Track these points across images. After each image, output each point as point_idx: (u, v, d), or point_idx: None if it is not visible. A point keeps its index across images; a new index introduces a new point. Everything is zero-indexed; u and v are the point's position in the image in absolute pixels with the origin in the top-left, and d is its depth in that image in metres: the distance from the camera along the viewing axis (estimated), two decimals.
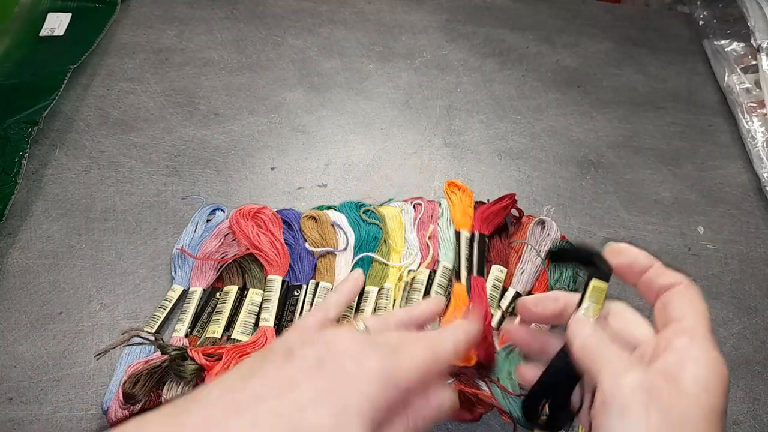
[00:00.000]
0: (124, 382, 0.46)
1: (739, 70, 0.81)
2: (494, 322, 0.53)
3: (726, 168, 0.74)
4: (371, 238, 0.58)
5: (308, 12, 0.89)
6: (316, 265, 0.56)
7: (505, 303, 0.55)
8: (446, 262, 0.56)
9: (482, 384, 0.50)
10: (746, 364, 0.55)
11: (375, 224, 0.59)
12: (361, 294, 0.55)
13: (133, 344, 0.49)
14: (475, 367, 0.49)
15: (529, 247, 0.59)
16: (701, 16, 0.92)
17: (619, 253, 0.32)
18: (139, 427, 0.24)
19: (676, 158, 0.74)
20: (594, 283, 0.32)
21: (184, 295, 0.54)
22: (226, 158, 0.68)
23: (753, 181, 0.72)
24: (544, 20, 0.93)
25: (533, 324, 0.40)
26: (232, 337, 0.51)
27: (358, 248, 0.57)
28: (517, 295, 0.56)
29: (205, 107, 0.74)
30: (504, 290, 0.56)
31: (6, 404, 0.48)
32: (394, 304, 0.54)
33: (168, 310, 0.53)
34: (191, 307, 0.53)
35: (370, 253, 0.56)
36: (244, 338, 0.50)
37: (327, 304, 0.35)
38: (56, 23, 0.80)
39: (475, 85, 0.81)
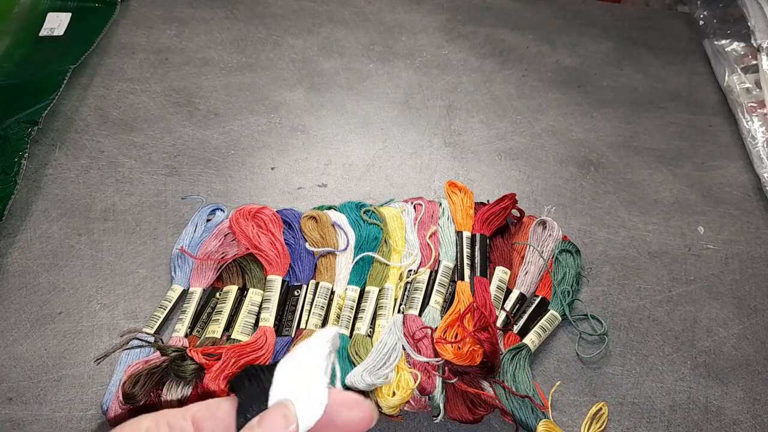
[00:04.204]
0: (124, 383, 0.46)
1: (739, 70, 0.81)
2: (498, 323, 0.53)
3: (726, 168, 0.74)
4: (372, 239, 0.58)
5: (308, 12, 0.89)
6: (316, 266, 0.56)
7: (509, 305, 0.55)
8: (447, 261, 0.56)
9: (485, 384, 0.50)
10: (746, 364, 0.55)
11: (375, 224, 0.59)
12: (362, 294, 0.55)
13: (132, 347, 0.49)
14: (480, 366, 0.49)
15: (532, 248, 0.59)
16: (701, 16, 0.92)
17: None
18: None
19: (676, 158, 0.74)
20: None
21: (184, 295, 0.54)
22: (226, 158, 0.68)
23: (753, 181, 0.72)
24: (544, 20, 0.93)
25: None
26: (232, 337, 0.51)
27: (359, 248, 0.57)
28: (522, 296, 0.56)
29: (205, 107, 0.73)
30: (508, 291, 0.56)
31: (6, 404, 0.48)
32: (394, 304, 0.54)
33: (168, 310, 0.53)
34: (191, 307, 0.53)
35: (370, 253, 0.56)
36: (244, 338, 0.50)
37: None
38: (56, 23, 0.80)
39: (475, 85, 0.81)
